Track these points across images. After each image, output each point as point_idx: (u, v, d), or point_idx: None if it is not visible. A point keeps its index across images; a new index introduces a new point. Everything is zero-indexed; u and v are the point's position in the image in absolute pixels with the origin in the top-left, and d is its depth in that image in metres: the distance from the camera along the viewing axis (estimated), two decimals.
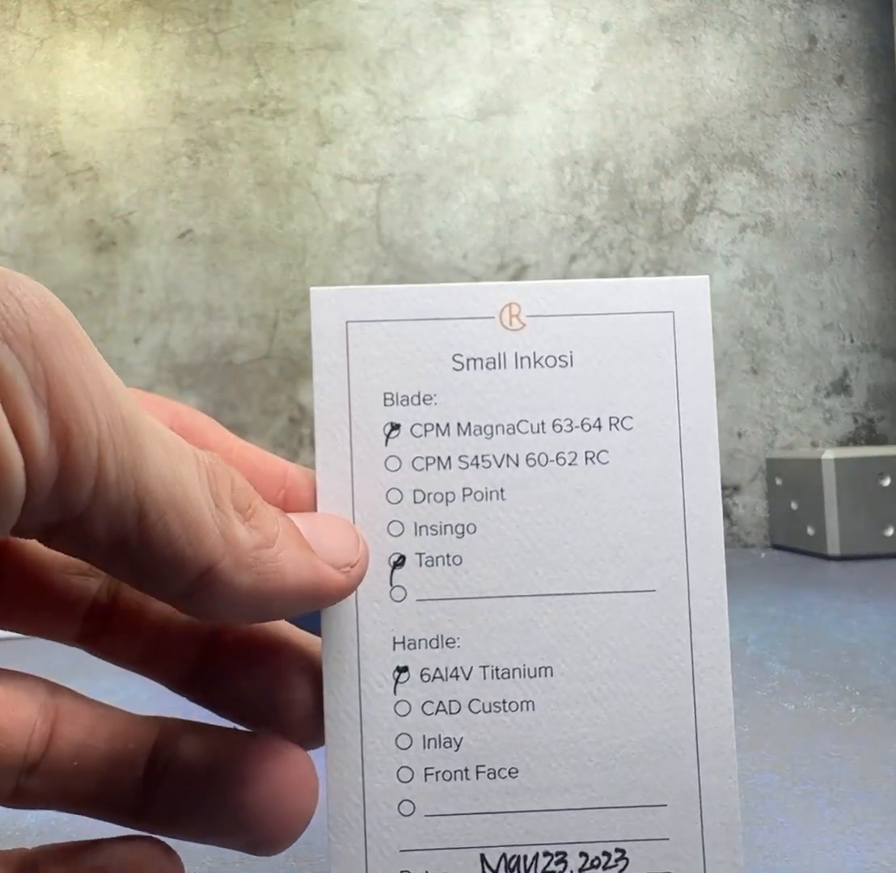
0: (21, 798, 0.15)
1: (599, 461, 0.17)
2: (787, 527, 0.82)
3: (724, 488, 0.87)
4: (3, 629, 0.17)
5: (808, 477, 0.77)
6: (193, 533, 0.13)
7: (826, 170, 0.91)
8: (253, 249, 0.91)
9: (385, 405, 0.17)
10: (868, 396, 0.91)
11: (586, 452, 0.17)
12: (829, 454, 0.74)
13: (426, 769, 0.16)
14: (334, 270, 0.90)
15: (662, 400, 0.17)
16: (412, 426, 0.17)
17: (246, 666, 0.17)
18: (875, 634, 0.45)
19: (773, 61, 0.91)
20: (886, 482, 0.74)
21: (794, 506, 0.80)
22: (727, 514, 0.88)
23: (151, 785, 0.15)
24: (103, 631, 0.17)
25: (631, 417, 0.17)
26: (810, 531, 0.77)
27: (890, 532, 0.74)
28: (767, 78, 0.91)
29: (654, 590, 0.17)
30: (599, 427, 0.17)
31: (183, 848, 0.22)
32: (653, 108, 0.91)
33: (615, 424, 0.17)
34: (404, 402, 0.17)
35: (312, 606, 0.15)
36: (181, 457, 0.13)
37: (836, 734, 0.30)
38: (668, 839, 0.16)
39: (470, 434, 0.17)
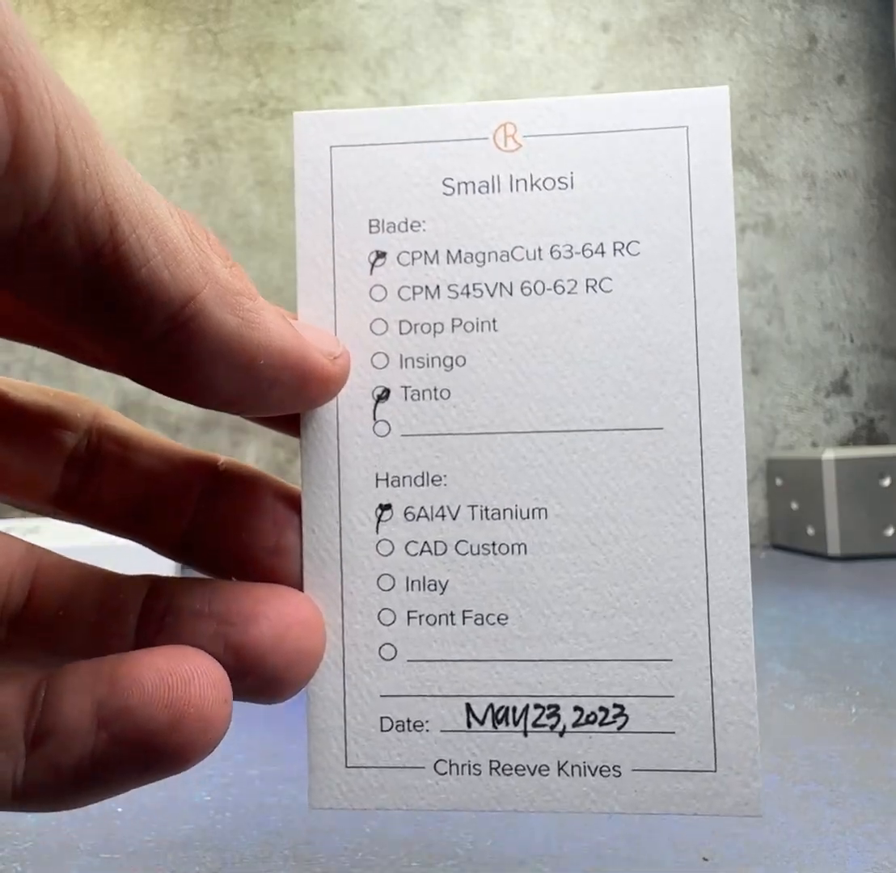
0: (3, 653, 0.14)
1: (602, 289, 0.16)
2: (788, 528, 0.82)
3: None
4: None
5: (808, 477, 0.77)
6: (171, 255, 0.12)
7: (826, 169, 0.91)
8: (253, 249, 0.91)
9: (370, 232, 0.16)
10: (868, 396, 0.91)
11: (587, 280, 0.16)
12: (830, 454, 0.74)
13: (409, 612, 0.15)
14: None
15: (673, 223, 0.16)
16: (399, 254, 0.16)
17: (248, 515, 0.16)
18: (876, 635, 0.45)
19: (774, 61, 0.91)
20: (887, 482, 0.74)
21: (794, 506, 0.80)
22: None
23: (146, 633, 0.14)
24: (83, 489, 0.16)
25: (637, 242, 0.16)
26: (810, 531, 0.77)
27: (890, 532, 0.73)
28: (768, 78, 0.91)
29: (661, 428, 0.15)
30: (602, 253, 0.16)
31: (182, 850, 0.22)
32: None
33: (620, 250, 0.16)
34: (391, 229, 0.16)
35: (299, 392, 0.14)
36: (147, 186, 0.12)
37: (837, 735, 0.30)
38: (672, 696, 0.15)
39: (460, 261, 0.16)
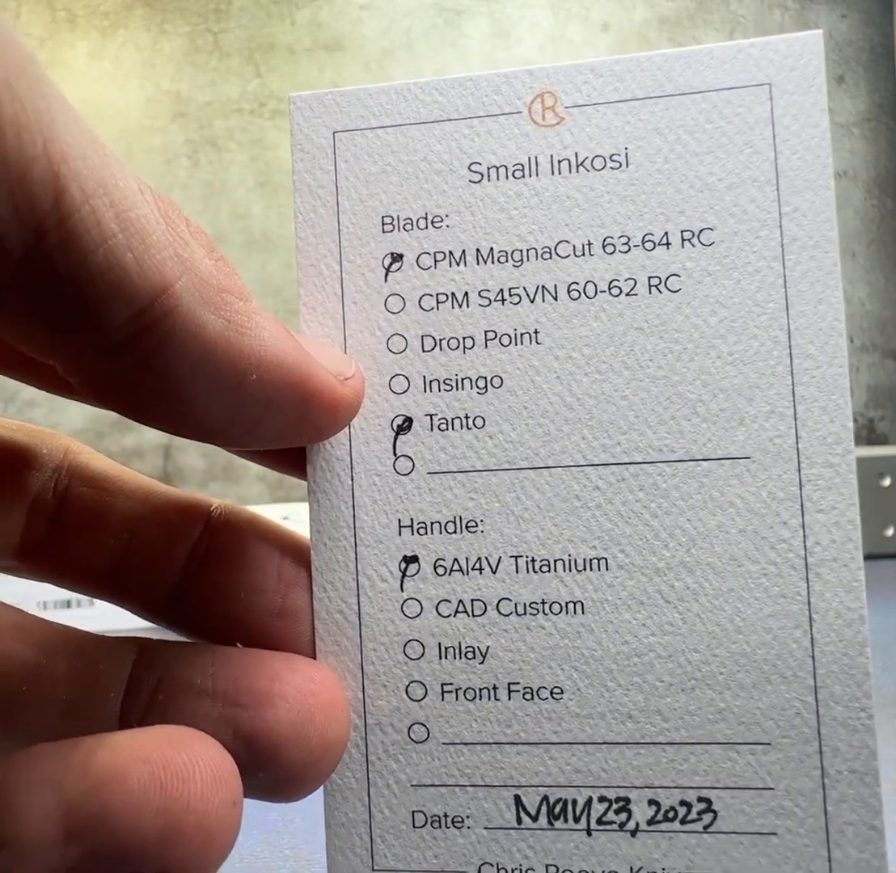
0: None
1: (668, 288, 0.13)
2: None
3: None
4: None
5: None
6: (136, 235, 0.09)
7: None
8: (253, 249, 0.91)
9: (384, 231, 0.14)
10: (868, 396, 0.91)
11: (650, 278, 0.13)
12: None
13: (443, 685, 0.13)
14: None
15: (756, 203, 0.13)
16: (419, 256, 0.13)
17: (247, 571, 0.13)
18: (875, 634, 0.45)
19: None
20: (886, 482, 0.74)
21: None
22: None
23: (132, 715, 0.12)
24: (49, 541, 0.13)
25: (711, 230, 0.13)
26: None
27: (890, 532, 0.74)
28: None
29: (748, 458, 0.13)
30: (667, 244, 0.13)
31: None
32: None
33: (689, 239, 0.13)
34: (408, 227, 0.13)
35: (301, 420, 0.12)
36: (112, 155, 0.09)
37: None
38: (772, 789, 0.12)
39: (493, 262, 0.13)
